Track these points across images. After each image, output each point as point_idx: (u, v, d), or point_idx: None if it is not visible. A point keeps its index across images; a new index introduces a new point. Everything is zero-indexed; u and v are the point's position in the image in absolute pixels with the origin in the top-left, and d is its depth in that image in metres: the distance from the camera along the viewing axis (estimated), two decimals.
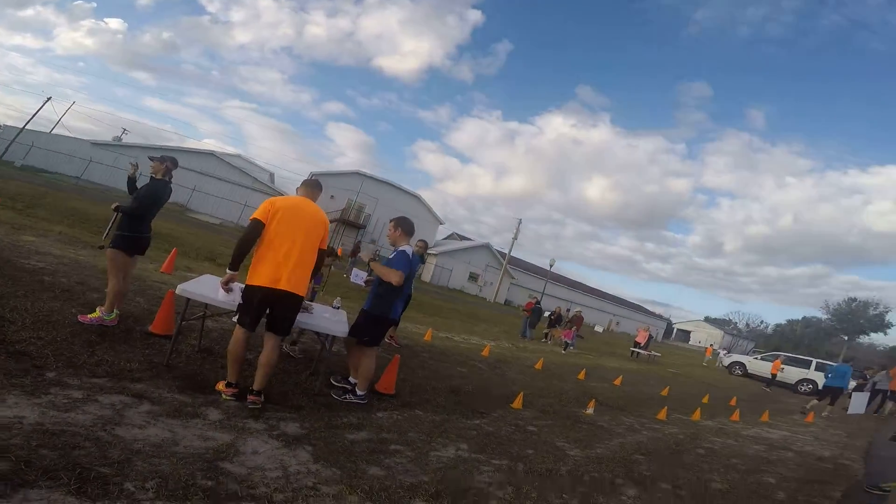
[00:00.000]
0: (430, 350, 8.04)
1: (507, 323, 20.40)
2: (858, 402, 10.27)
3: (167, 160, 4.56)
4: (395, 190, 41.66)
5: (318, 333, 4.34)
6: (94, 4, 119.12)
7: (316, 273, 3.88)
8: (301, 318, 3.83)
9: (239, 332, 3.47)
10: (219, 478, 2.30)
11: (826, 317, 68.82)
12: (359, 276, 5.81)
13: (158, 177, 4.51)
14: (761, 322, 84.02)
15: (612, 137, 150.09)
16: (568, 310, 21.59)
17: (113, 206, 4.50)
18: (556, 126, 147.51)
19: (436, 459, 3.35)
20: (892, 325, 62.38)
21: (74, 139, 34.54)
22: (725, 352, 29.58)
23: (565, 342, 15.12)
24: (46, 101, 38.32)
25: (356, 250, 22.73)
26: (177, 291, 3.81)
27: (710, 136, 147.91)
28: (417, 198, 42.57)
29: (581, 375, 9.53)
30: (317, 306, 4.77)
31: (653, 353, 19.79)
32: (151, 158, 4.62)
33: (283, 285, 3.45)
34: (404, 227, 4.46)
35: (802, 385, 17.99)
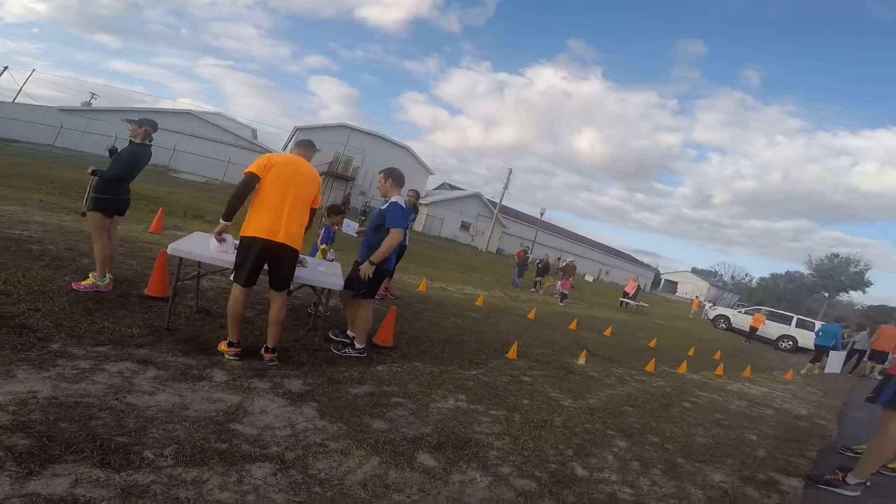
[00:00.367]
0: (425, 301, 8.18)
1: (499, 272, 20.68)
2: (835, 362, 10.26)
3: (146, 123, 4.42)
4: (382, 142, 41.03)
5: (313, 287, 4.37)
6: None
7: (307, 229, 3.88)
8: (296, 272, 3.85)
9: (237, 291, 3.49)
10: (231, 440, 2.40)
11: (808, 272, 70.42)
12: (350, 227, 5.79)
13: (138, 140, 4.39)
14: (746, 275, 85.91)
15: (603, 91, 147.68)
16: (559, 258, 21.86)
17: (89, 171, 4.39)
18: (547, 78, 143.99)
19: (436, 411, 3.49)
20: (872, 284, 64.16)
21: (41, 107, 33.39)
22: (711, 304, 29.95)
23: (561, 293, 15.18)
24: (3, 70, 36.28)
25: (346, 203, 22.60)
26: (168, 251, 3.78)
27: (703, 94, 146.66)
28: (406, 149, 42.04)
29: (573, 325, 9.79)
30: (310, 260, 4.77)
31: (641, 303, 20.13)
32: (129, 122, 4.48)
33: (280, 237, 3.47)
34: (394, 177, 4.42)
35: (783, 342, 18.13)
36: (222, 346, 3.57)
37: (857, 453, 4.54)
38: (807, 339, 16.83)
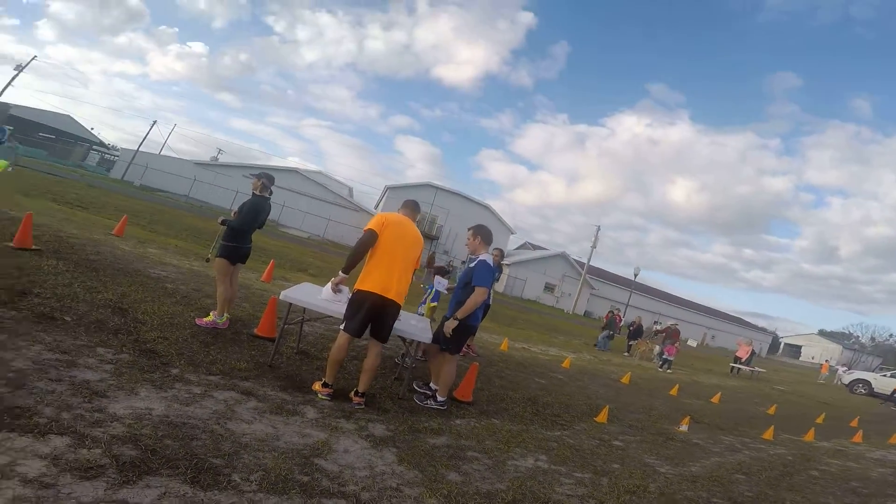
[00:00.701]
0: (507, 360, 8.05)
1: (587, 335, 19.79)
2: None
3: (263, 177, 5.01)
4: (465, 201, 41.77)
5: (403, 339, 4.55)
6: (177, 29, 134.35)
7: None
8: None
9: (343, 339, 3.72)
10: (314, 474, 2.52)
11: None
12: (441, 284, 5.98)
13: (257, 193, 4.97)
14: (890, 336, 74.33)
15: (693, 136, 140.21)
16: (655, 322, 20.51)
17: (219, 220, 5.04)
18: (629, 126, 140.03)
19: (513, 468, 3.39)
20: None
21: (179, 160, 38.73)
22: (845, 368, 26.66)
23: (665, 359, 13.93)
24: (153, 125, 43.47)
25: (431, 261, 23.29)
26: (280, 297, 4.19)
27: (809, 130, 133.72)
28: (487, 207, 42.32)
29: (673, 391, 9.08)
30: (403, 314, 5.00)
31: (756, 368, 18.21)
32: (250, 176, 5.11)
33: (391, 294, 3.72)
34: (483, 235, 4.53)
35: None
36: (317, 386, 3.80)
37: None
38: None
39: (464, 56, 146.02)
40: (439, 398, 4.39)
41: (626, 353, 15.83)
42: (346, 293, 4.03)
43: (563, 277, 43.30)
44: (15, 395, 2.40)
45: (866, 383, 19.17)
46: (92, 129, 50.78)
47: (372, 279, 3.70)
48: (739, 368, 17.27)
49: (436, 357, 4.61)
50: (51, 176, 21.27)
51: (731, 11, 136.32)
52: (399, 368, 5.17)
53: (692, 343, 37.51)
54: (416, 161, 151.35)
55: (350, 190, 48.51)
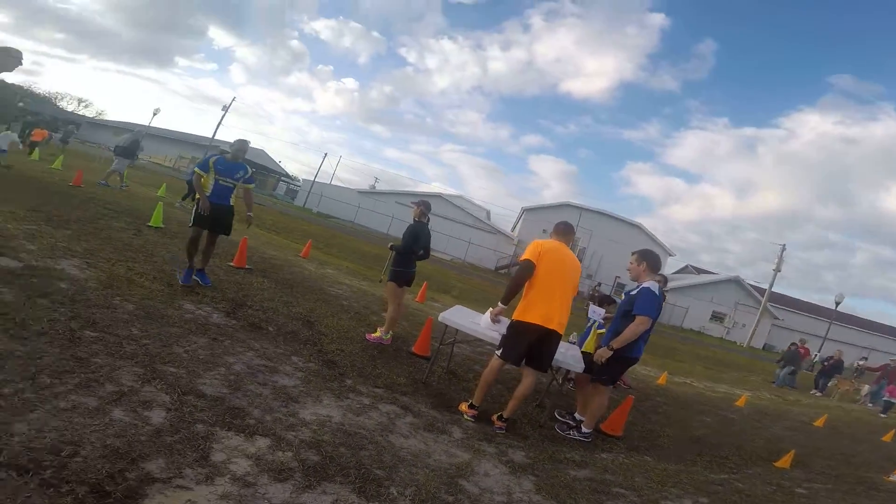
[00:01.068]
0: (665, 395, 7.55)
1: (767, 371, 17.21)
2: None
3: (421, 204, 5.55)
4: (610, 220, 39.35)
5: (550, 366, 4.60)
6: (332, 67, 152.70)
7: None
8: None
9: (497, 363, 3.90)
10: (457, 494, 2.76)
11: None
12: (597, 313, 5.84)
13: (416, 219, 5.51)
14: None
15: None
16: (863, 358, 17.08)
17: (389, 246, 5.72)
18: (813, 126, 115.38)
19: None
20: None
21: (346, 188, 44.24)
22: None
23: (887, 401, 11.63)
24: (324, 158, 49.97)
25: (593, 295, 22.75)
26: (439, 319, 4.62)
27: None
28: (638, 227, 39.17)
29: (887, 437, 7.59)
30: None
31: None
32: (410, 204, 5.70)
33: (553, 325, 3.73)
34: (650, 261, 4.27)
35: None
36: (463, 407, 4.06)
37: None
38: None
39: (592, 67, 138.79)
40: (584, 429, 4.32)
41: (815, 392, 13.52)
42: (505, 322, 4.14)
43: (735, 305, 37.81)
44: (234, 396, 3.07)
45: None
46: (280, 161, 60.24)
47: (533, 310, 3.72)
48: None
49: (585, 387, 4.55)
50: (256, 205, 26.08)
51: None
52: (542, 396, 5.24)
53: None
54: (550, 180, 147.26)
55: (488, 213, 49.60)
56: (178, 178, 27.09)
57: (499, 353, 3.91)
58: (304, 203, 43.05)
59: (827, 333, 33.01)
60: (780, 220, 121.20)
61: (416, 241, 5.43)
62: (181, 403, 2.73)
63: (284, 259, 9.12)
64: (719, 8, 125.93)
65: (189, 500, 2.00)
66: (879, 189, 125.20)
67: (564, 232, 4.08)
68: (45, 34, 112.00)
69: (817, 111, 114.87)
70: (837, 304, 34.71)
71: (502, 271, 37.43)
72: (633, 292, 4.21)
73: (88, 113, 63.39)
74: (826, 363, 14.34)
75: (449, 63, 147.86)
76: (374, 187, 50.35)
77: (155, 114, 45.39)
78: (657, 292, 4.13)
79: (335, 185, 45.14)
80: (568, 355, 4.53)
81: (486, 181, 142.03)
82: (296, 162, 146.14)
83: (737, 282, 38.85)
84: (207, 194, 5.11)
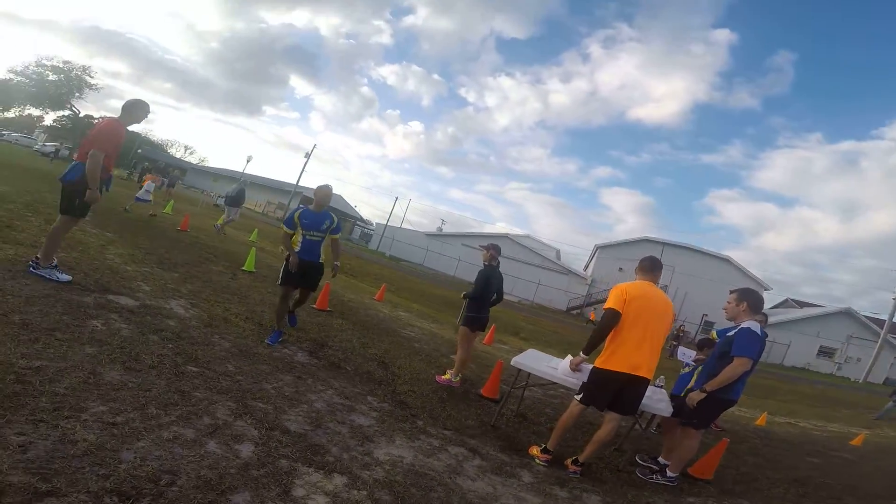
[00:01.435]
0: (765, 436, 7.00)
1: None
2: None
3: (491, 248, 5.68)
4: (694, 254, 37.49)
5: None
6: (399, 111, 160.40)
7: None
8: None
9: (576, 409, 3.84)
10: None
11: None
12: (687, 355, 5.56)
13: (486, 263, 5.64)
14: None
15: None
16: None
17: (462, 295, 5.87)
18: None
19: None
20: None
21: (415, 232, 45.47)
22: None
23: None
24: (395, 202, 52.45)
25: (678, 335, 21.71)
26: (511, 363, 4.66)
27: None
28: (726, 260, 36.97)
29: None
30: None
31: None
32: (480, 248, 5.85)
33: (642, 372, 3.59)
34: (751, 301, 4.01)
35: None
36: (535, 451, 4.00)
37: None
38: None
39: (660, 91, 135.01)
40: (670, 473, 4.10)
41: None
42: (586, 369, 4.04)
43: (847, 339, 34.43)
44: (315, 433, 3.28)
45: None
46: (355, 206, 63.26)
47: (620, 357, 3.59)
48: None
49: (673, 430, 4.35)
50: None
51: None
52: (622, 439, 5.05)
53: None
54: (625, 214, 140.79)
55: (557, 252, 48.73)
56: (269, 224, 29.25)
57: (578, 397, 3.83)
58: (378, 246, 44.75)
59: None
60: (893, 244, 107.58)
61: (488, 287, 5.51)
62: (268, 438, 2.96)
63: (361, 302, 9.57)
64: (786, 16, 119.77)
65: None
66: None
67: (651, 269, 3.89)
68: (157, 83, 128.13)
69: None
70: None
71: (575, 312, 36.36)
72: (731, 333, 3.99)
73: (192, 159, 70.73)
74: None
75: (508, 100, 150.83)
76: (441, 230, 51.45)
77: (248, 161, 49.62)
78: (759, 332, 3.89)
79: (405, 229, 46.62)
80: (654, 399, 4.35)
81: (555, 218, 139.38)
82: (368, 206, 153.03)
83: (848, 313, 35.58)
84: (297, 250, 4.93)
